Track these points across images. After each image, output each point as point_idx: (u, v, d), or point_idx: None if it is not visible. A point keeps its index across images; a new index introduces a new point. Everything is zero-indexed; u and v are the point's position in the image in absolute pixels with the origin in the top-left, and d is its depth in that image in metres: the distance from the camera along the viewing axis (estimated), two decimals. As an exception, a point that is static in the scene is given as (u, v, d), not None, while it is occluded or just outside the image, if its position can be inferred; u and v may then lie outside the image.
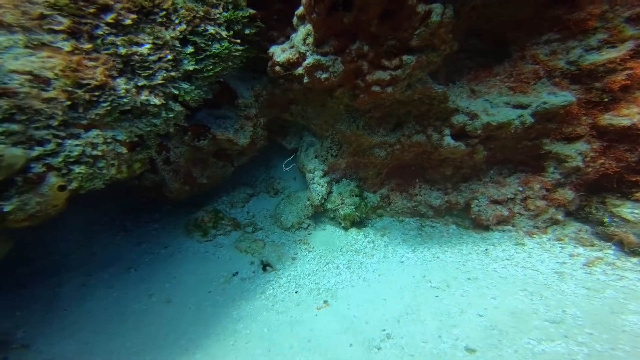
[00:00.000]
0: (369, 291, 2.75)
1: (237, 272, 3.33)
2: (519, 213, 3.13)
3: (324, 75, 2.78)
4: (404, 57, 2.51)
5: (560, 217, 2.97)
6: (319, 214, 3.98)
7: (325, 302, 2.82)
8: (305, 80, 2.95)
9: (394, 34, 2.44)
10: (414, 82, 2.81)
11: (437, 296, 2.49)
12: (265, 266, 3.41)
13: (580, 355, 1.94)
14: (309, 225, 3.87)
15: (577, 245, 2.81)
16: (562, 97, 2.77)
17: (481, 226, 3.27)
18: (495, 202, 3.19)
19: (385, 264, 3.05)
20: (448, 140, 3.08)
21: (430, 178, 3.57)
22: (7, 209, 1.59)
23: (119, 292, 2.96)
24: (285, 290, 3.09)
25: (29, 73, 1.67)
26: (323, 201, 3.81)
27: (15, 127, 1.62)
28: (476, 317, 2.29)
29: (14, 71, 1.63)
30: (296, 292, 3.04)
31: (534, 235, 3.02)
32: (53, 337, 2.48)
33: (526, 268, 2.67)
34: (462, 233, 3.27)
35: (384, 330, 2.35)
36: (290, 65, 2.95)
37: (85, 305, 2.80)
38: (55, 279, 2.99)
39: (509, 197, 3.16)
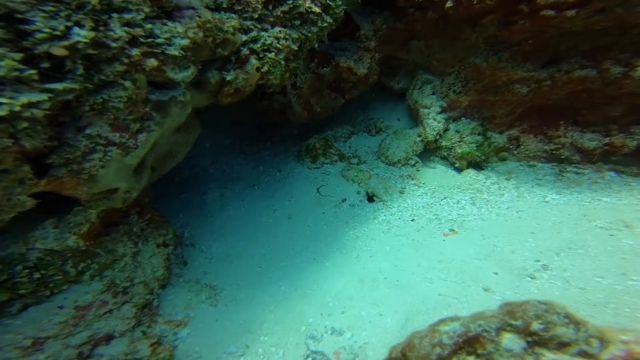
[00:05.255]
0: (508, 225, 2.52)
1: (345, 199, 3.38)
2: None
3: (478, -3, 2.48)
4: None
5: None
6: (428, 153, 3.75)
7: (452, 229, 2.69)
8: (449, 4, 2.71)
9: None
10: (613, 6, 2.27)
11: (611, 235, 2.15)
12: (371, 197, 3.39)
13: None
14: (416, 163, 3.69)
15: None
16: None
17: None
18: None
19: (523, 203, 2.75)
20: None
21: (583, 120, 3.01)
22: (228, 77, 1.89)
23: (249, 205, 3.25)
24: (399, 218, 3.04)
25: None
26: (438, 137, 3.55)
27: (234, 16, 1.85)
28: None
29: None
30: (412, 220, 2.96)
31: None
32: (208, 239, 2.83)
33: None
34: (627, 180, 2.73)
35: (538, 261, 2.14)
36: (428, -10, 2.76)
37: (226, 214, 3.12)
38: (202, 188, 3.40)
39: None
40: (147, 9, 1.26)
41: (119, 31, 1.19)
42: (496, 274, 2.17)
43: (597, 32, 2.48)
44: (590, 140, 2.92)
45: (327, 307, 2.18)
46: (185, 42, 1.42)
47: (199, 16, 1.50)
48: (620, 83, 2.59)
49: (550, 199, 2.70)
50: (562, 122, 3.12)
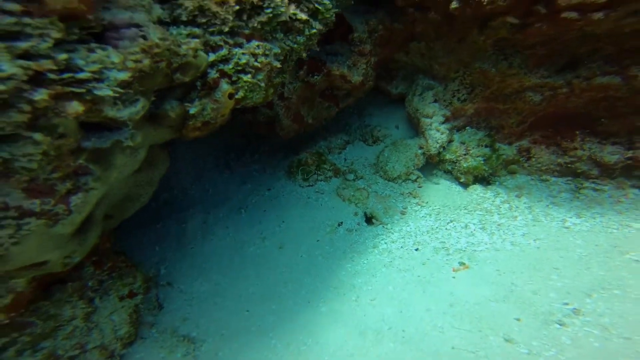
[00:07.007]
0: (526, 257, 2.23)
1: (341, 222, 3.06)
2: None
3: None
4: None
5: None
6: (430, 166, 3.44)
7: (462, 263, 2.39)
8: (454, 5, 2.39)
9: None
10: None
11: (649, 272, 1.88)
12: (370, 219, 3.09)
13: None
14: (418, 178, 3.38)
15: None
16: None
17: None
18: None
19: (540, 228, 2.46)
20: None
21: (603, 130, 2.72)
22: (192, 110, 1.53)
23: (235, 233, 2.91)
24: (401, 247, 2.73)
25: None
26: (441, 150, 3.23)
27: (197, 30, 1.48)
28: None
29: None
30: (416, 250, 2.66)
31: None
32: (188, 276, 2.50)
33: None
34: (654, 199, 2.47)
35: (567, 304, 1.86)
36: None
37: (209, 245, 2.78)
38: (181, 214, 3.03)
39: None
40: (56, 34, 0.90)
41: (8, 67, 0.83)
42: (518, 320, 1.88)
43: (626, 35, 2.18)
44: (611, 154, 2.64)
45: (324, 368, 1.88)
46: (124, 75, 1.06)
47: (144, 37, 1.13)
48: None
49: (571, 224, 2.41)
50: (578, 133, 2.83)
